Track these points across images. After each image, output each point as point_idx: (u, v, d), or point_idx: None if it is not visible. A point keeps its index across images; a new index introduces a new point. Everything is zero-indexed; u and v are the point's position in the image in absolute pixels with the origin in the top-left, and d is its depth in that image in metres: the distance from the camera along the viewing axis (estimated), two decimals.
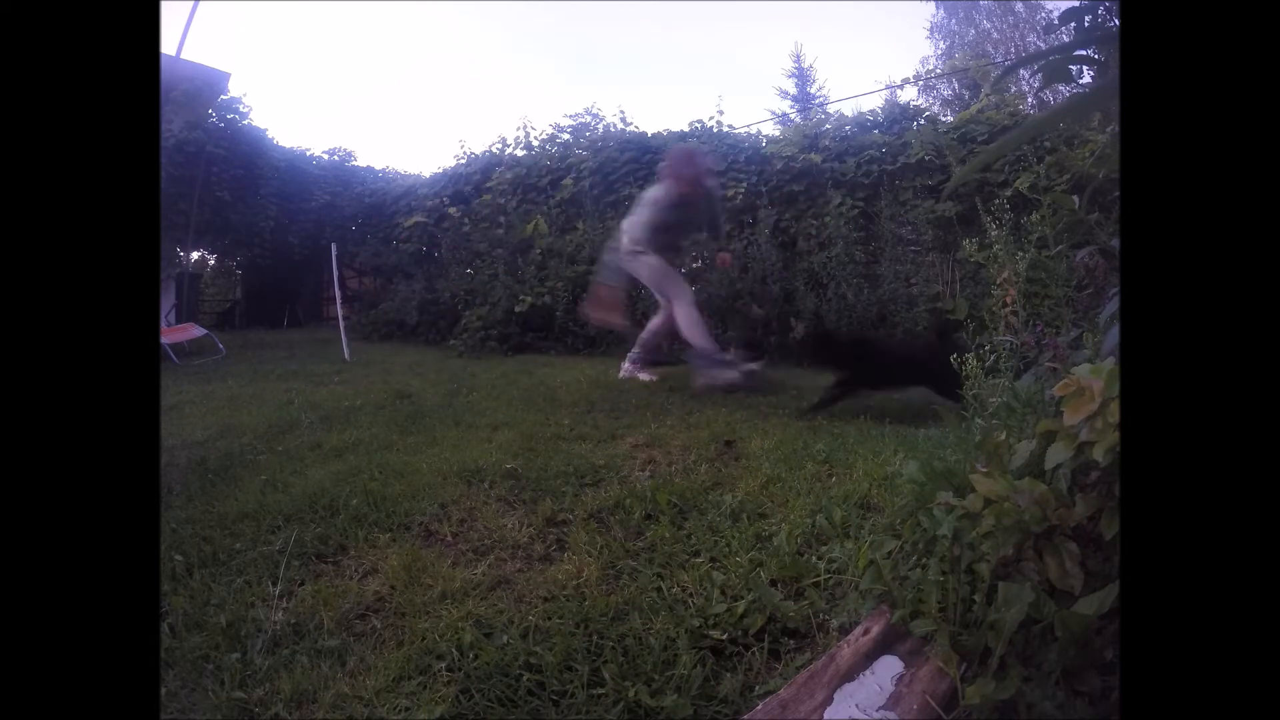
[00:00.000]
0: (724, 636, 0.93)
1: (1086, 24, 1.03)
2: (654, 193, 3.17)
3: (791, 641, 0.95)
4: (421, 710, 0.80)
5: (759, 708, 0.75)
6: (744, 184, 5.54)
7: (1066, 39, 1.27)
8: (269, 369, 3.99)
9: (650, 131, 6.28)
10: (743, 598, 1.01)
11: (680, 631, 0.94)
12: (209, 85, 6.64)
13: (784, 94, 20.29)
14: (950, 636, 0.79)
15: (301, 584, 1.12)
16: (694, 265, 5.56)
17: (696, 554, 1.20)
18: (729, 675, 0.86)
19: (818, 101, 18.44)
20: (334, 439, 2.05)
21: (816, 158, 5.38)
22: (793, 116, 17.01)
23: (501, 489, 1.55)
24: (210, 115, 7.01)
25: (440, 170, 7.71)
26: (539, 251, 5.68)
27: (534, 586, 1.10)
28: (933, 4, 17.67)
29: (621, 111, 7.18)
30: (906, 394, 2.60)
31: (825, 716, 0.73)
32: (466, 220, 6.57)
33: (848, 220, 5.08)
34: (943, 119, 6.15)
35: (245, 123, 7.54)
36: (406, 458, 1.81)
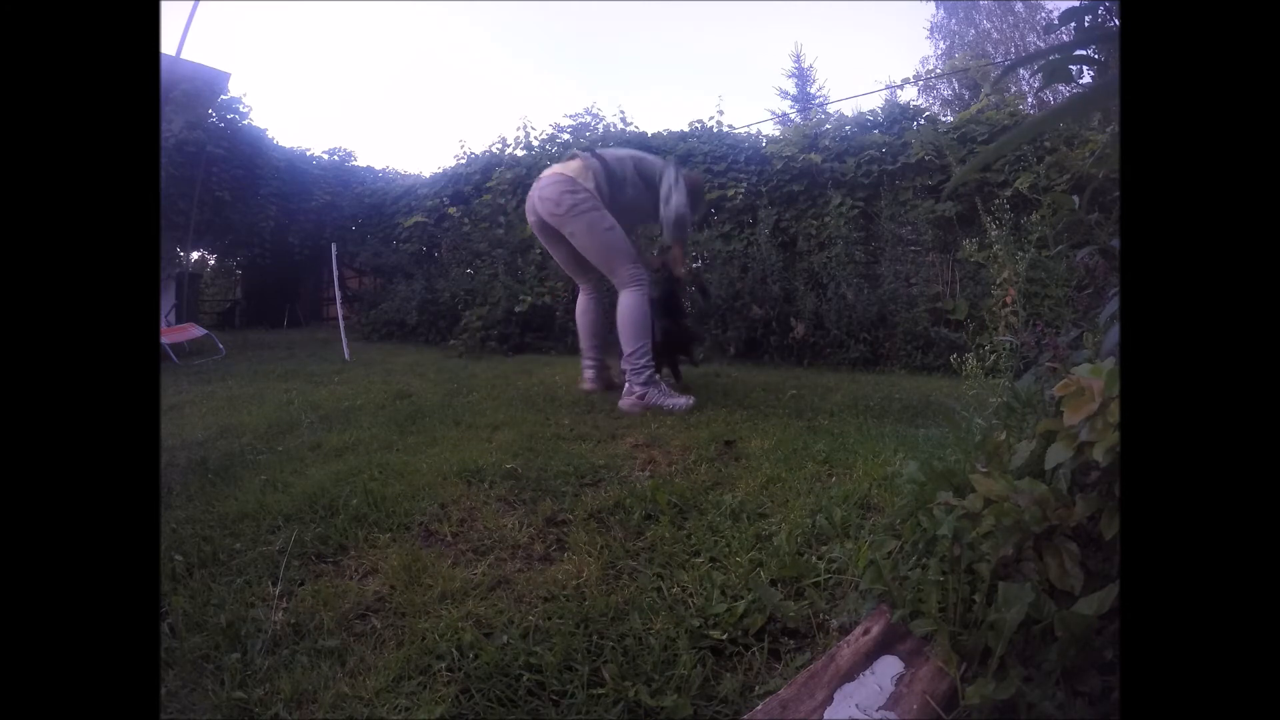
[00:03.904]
0: (724, 636, 0.93)
1: (1086, 24, 1.03)
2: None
3: (791, 641, 0.95)
4: (421, 710, 0.80)
5: (759, 708, 0.75)
6: (744, 184, 5.54)
7: (1066, 39, 1.27)
8: (269, 369, 3.99)
9: (650, 132, 6.29)
10: (743, 598, 1.01)
11: (680, 631, 0.94)
12: (209, 85, 6.64)
13: (784, 94, 20.32)
14: (950, 636, 0.79)
15: (301, 584, 1.12)
16: (695, 264, 5.56)
17: (696, 554, 1.20)
18: (729, 675, 0.86)
19: (818, 101, 18.46)
20: (334, 439, 2.05)
21: (816, 158, 5.39)
22: (793, 116, 17.04)
23: (501, 489, 1.55)
24: (210, 115, 7.01)
25: (440, 170, 7.72)
26: (539, 251, 5.68)
27: (534, 586, 1.10)
28: (933, 4, 17.68)
29: (621, 111, 7.21)
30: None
31: (825, 716, 0.73)
32: (466, 220, 6.57)
33: (848, 220, 5.09)
34: (943, 119, 6.16)
35: (245, 123, 7.55)
36: (406, 458, 1.81)
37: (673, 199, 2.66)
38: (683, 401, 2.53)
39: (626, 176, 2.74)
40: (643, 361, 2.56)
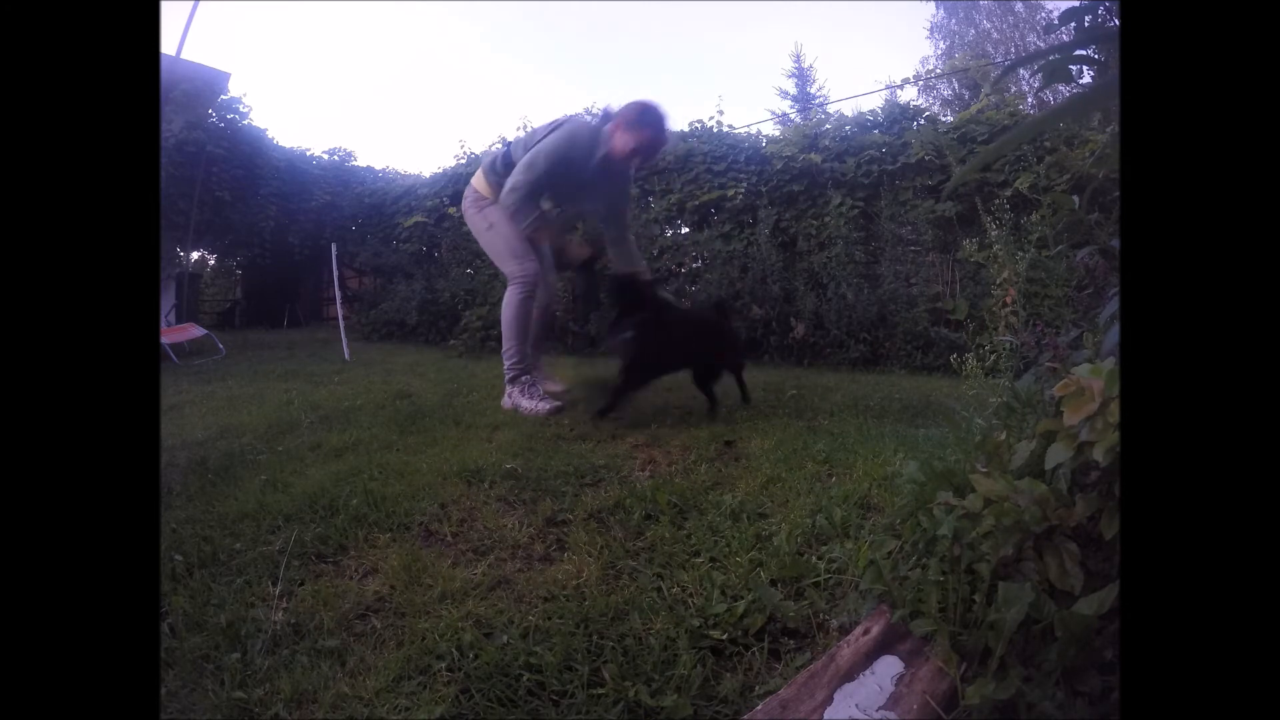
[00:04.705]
0: (724, 636, 0.93)
1: (1086, 24, 1.03)
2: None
3: (791, 641, 0.95)
4: (421, 710, 0.80)
5: (759, 708, 0.75)
6: (744, 184, 5.54)
7: (1066, 39, 1.27)
8: (269, 369, 3.99)
9: None
10: (743, 598, 1.01)
11: (680, 631, 0.94)
12: (209, 85, 6.65)
13: (784, 94, 20.34)
14: (950, 636, 0.79)
15: (301, 584, 1.12)
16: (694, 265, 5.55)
17: (696, 554, 1.20)
18: (729, 675, 0.86)
19: (818, 101, 18.46)
20: (334, 439, 2.05)
21: (816, 158, 5.38)
22: (793, 116, 17.05)
23: (501, 489, 1.55)
24: (210, 115, 7.01)
25: (440, 170, 7.71)
26: None
27: (534, 586, 1.10)
28: (933, 4, 17.69)
29: None
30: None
31: (825, 716, 0.73)
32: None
33: (848, 220, 5.08)
34: (943, 119, 6.15)
35: (245, 123, 7.55)
36: (406, 458, 1.81)
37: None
38: (537, 406, 2.40)
39: (517, 159, 2.45)
40: (509, 361, 2.53)
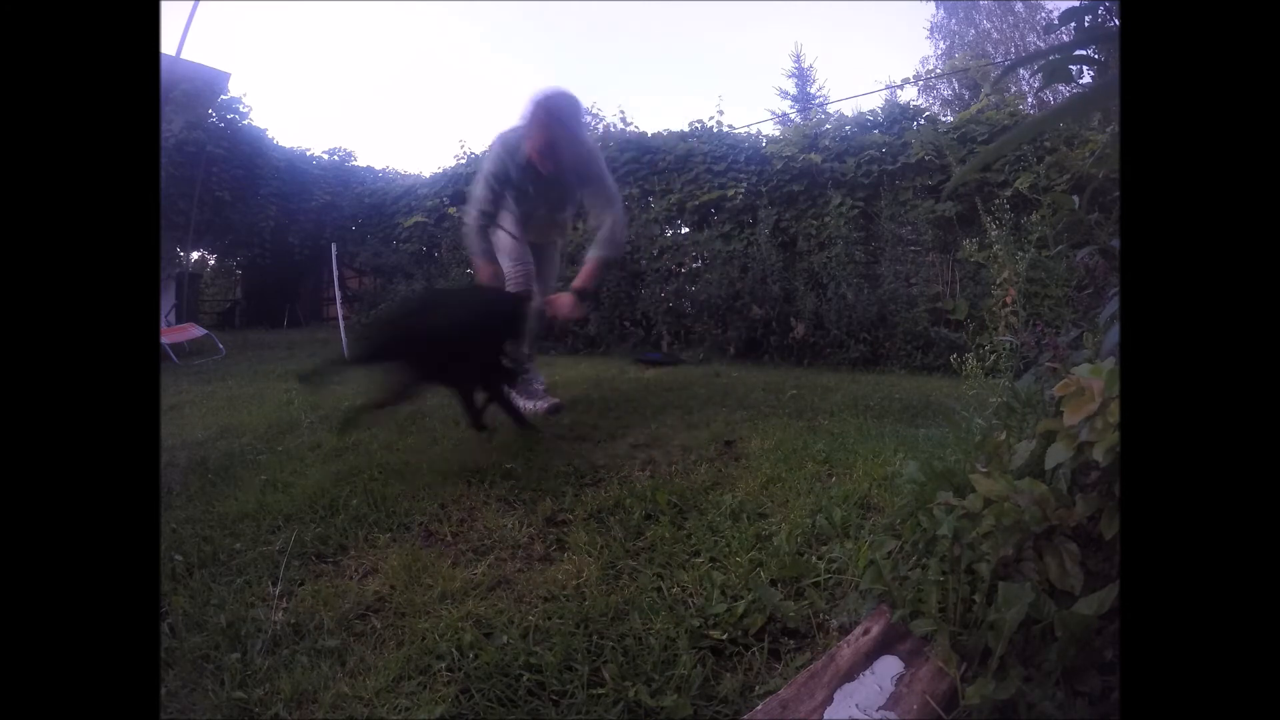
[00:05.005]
0: (724, 636, 0.93)
1: (1086, 24, 1.03)
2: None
3: (791, 641, 0.95)
4: (421, 710, 0.80)
5: (759, 708, 0.75)
6: (744, 184, 5.54)
7: (1066, 39, 1.27)
8: (269, 369, 3.98)
9: (650, 131, 6.29)
10: (743, 598, 1.01)
11: (680, 631, 0.94)
12: (209, 85, 6.66)
13: (784, 94, 20.30)
14: (950, 636, 0.79)
15: (301, 584, 1.12)
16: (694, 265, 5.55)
17: (696, 554, 1.20)
18: (729, 675, 0.86)
19: (818, 101, 18.44)
20: (334, 439, 2.05)
21: (816, 158, 5.39)
22: (793, 116, 17.02)
23: (501, 489, 1.55)
24: (210, 115, 7.02)
25: (440, 170, 7.72)
26: None
27: (534, 586, 1.10)
28: (933, 4, 17.68)
29: (621, 111, 7.22)
30: None
31: (825, 716, 0.73)
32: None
33: (848, 220, 5.09)
34: (943, 119, 6.16)
35: (245, 123, 7.55)
36: (406, 458, 1.81)
37: None
38: (537, 405, 2.42)
39: None
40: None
